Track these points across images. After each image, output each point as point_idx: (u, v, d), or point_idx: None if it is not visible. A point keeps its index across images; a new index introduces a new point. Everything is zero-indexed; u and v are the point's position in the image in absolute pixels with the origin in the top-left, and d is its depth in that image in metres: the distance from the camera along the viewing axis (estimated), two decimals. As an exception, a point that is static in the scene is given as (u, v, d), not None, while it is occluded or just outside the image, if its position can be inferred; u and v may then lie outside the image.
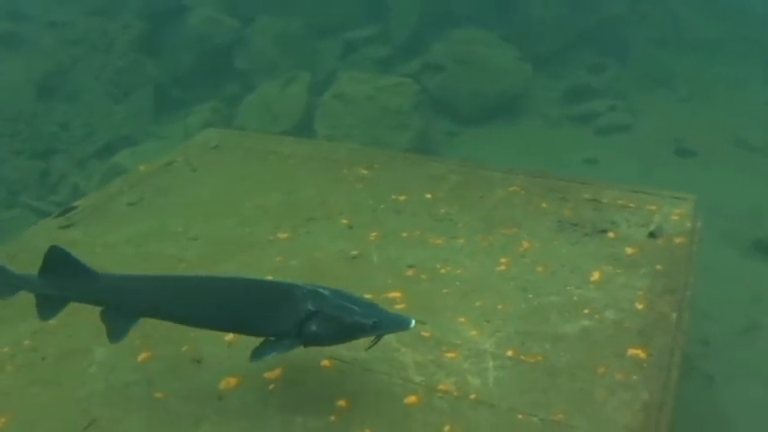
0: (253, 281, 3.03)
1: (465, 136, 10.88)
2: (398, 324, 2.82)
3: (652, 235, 4.27)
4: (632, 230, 4.35)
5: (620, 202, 4.67)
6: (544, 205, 4.67)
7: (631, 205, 4.63)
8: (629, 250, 4.14)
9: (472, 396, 3.06)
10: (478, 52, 11.40)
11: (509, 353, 3.31)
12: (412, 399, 3.06)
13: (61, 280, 3.02)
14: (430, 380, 3.15)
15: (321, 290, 2.83)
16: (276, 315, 2.79)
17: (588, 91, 11.73)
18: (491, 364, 3.22)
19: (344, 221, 4.57)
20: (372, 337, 2.82)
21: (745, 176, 9.26)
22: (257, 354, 2.79)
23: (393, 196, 4.84)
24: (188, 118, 10.72)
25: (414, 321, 2.79)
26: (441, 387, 3.11)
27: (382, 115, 10.05)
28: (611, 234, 4.31)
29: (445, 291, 3.80)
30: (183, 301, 2.98)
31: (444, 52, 11.48)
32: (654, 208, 4.58)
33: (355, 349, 3.29)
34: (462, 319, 3.56)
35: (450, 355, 3.29)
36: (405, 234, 4.38)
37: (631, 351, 3.33)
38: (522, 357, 3.28)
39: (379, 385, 3.14)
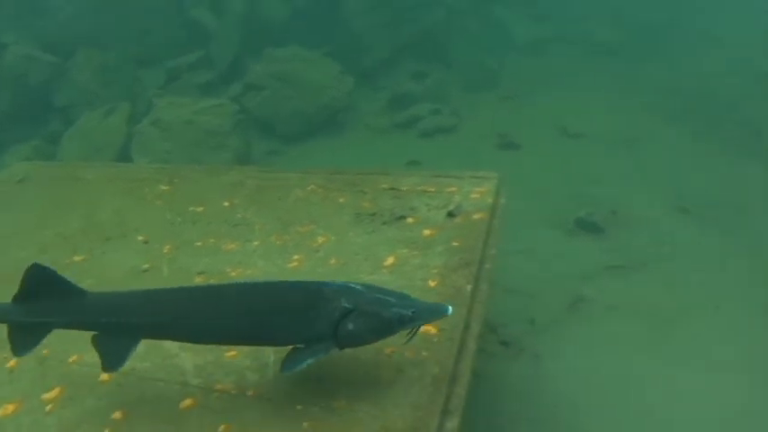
0: (275, 283, 2.81)
1: (289, 153, 10.80)
2: (436, 312, 2.73)
3: (450, 214, 4.30)
4: (431, 213, 4.37)
5: (419, 188, 4.70)
6: (342, 200, 4.65)
7: (431, 190, 4.66)
8: (426, 232, 4.15)
9: (250, 393, 2.97)
10: (298, 69, 11.39)
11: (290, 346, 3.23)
12: (188, 402, 2.95)
13: (43, 303, 2.77)
14: (208, 381, 3.04)
15: (352, 285, 2.69)
16: (307, 318, 2.60)
17: (411, 98, 11.87)
18: (272, 359, 3.12)
19: (140, 238, 4.47)
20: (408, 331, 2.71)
21: (567, 162, 9.62)
22: (290, 364, 2.60)
23: (191, 208, 4.76)
24: (6, 158, 10.22)
25: (451, 308, 2.69)
26: (218, 387, 3.01)
27: (201, 138, 9.85)
28: (409, 219, 4.32)
29: (233, 292, 3.70)
30: (194, 316, 2.71)
31: (264, 72, 11.41)
32: (454, 189, 4.63)
33: (133, 360, 3.16)
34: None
35: (230, 354, 3.19)
36: (199, 243, 4.30)
37: (422, 328, 3.30)
38: (304, 348, 3.22)
39: (156, 392, 3.03)
